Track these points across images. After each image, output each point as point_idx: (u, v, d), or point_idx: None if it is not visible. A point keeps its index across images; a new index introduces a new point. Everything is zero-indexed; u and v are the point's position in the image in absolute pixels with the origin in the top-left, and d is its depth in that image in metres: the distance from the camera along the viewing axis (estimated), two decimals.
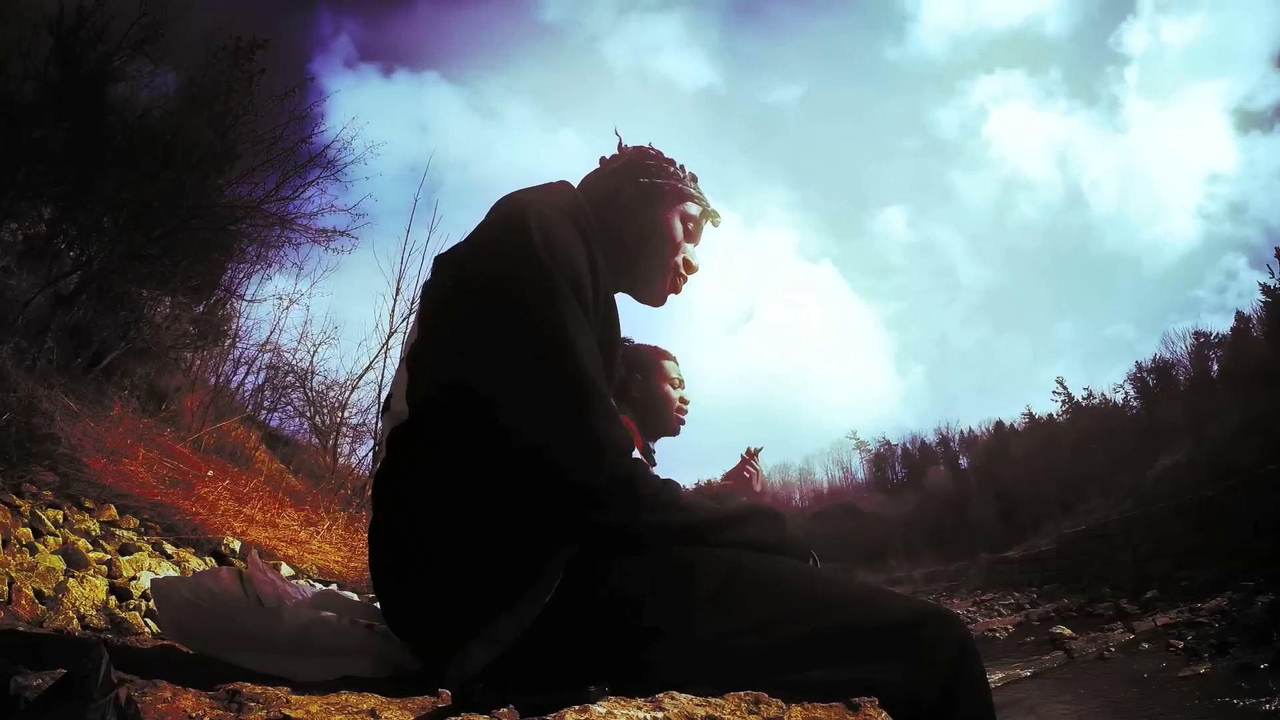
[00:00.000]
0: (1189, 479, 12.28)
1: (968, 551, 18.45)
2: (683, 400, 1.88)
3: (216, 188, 6.73)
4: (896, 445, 32.47)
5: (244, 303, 8.41)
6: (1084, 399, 23.78)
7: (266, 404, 8.93)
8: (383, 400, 0.97)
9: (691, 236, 1.09)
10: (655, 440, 1.88)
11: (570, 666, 0.73)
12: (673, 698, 0.67)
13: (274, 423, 9.00)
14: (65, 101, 5.64)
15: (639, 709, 0.65)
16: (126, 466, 4.43)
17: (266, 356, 8.81)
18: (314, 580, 4.08)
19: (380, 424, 0.96)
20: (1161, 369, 20.82)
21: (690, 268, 1.09)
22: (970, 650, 0.76)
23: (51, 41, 5.84)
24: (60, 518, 3.17)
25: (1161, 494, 12.27)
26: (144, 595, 2.75)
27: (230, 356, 8.69)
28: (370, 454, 8.17)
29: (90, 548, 3.00)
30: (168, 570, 3.18)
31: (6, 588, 2.28)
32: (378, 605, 0.89)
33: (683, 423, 1.89)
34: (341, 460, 8.72)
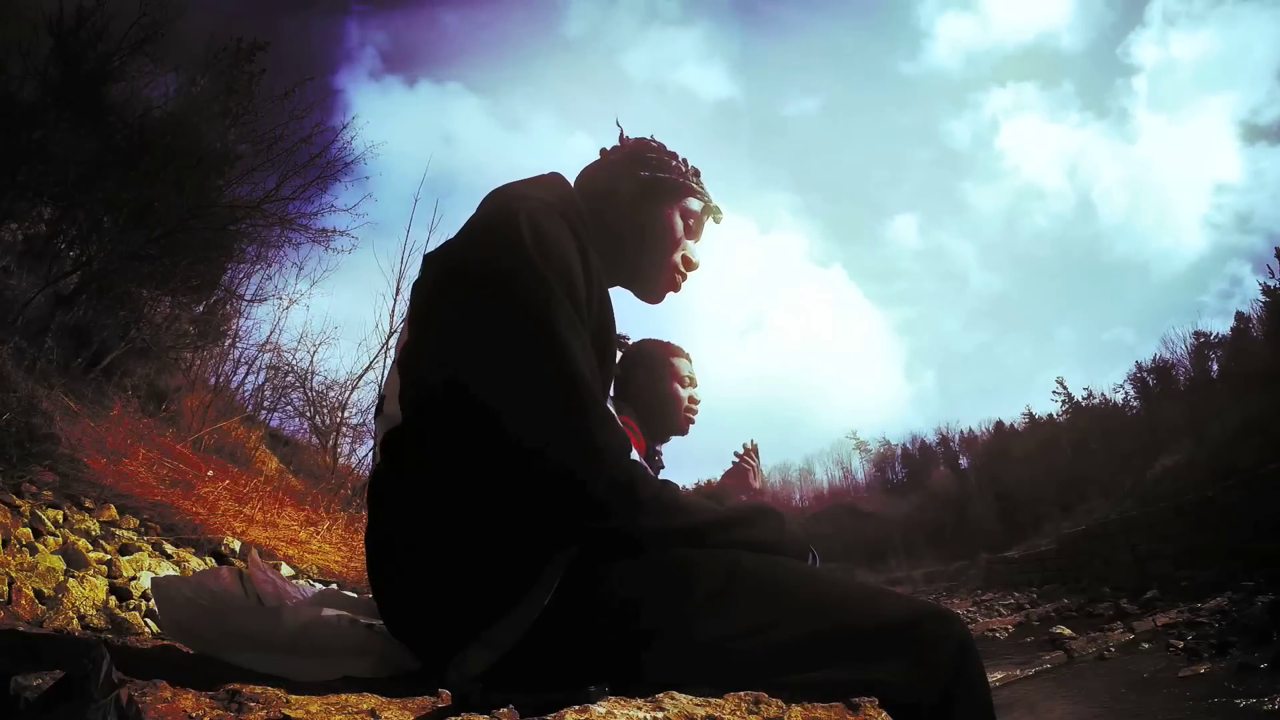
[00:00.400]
0: (1189, 479, 12.28)
1: (968, 551, 18.44)
2: (692, 400, 1.81)
3: (216, 188, 6.73)
4: (896, 445, 32.48)
5: (244, 303, 8.42)
6: (1084, 399, 23.78)
7: (266, 404, 8.94)
8: (376, 403, 0.96)
9: (692, 233, 1.06)
10: (663, 440, 1.82)
11: (570, 668, 0.73)
12: (673, 698, 0.67)
13: (274, 423, 9.01)
14: (65, 101, 5.64)
15: (639, 709, 0.65)
16: (126, 466, 4.43)
17: (266, 356, 8.83)
18: (314, 580, 4.08)
19: (374, 426, 0.95)
20: (1161, 369, 20.81)
21: (690, 264, 1.06)
22: (970, 650, 0.76)
23: (51, 41, 5.83)
24: (60, 518, 3.17)
25: (1161, 494, 12.26)
26: (144, 595, 2.75)
27: (230, 356, 8.70)
28: (370, 454, 8.17)
29: (90, 548, 3.00)
30: (168, 570, 3.18)
31: (6, 588, 2.28)
32: (378, 605, 0.89)
33: (692, 422, 1.83)
34: (341, 460, 8.74)
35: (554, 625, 0.76)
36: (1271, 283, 16.85)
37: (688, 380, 1.81)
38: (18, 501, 3.04)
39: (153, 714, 0.58)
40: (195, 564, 3.49)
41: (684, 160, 1.07)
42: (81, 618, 2.38)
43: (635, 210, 1.02)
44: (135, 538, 3.42)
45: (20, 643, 0.99)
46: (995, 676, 4.09)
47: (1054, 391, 24.64)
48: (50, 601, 2.36)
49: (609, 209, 1.01)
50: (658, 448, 1.81)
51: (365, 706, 0.66)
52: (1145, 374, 21.31)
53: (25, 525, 2.86)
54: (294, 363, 8.92)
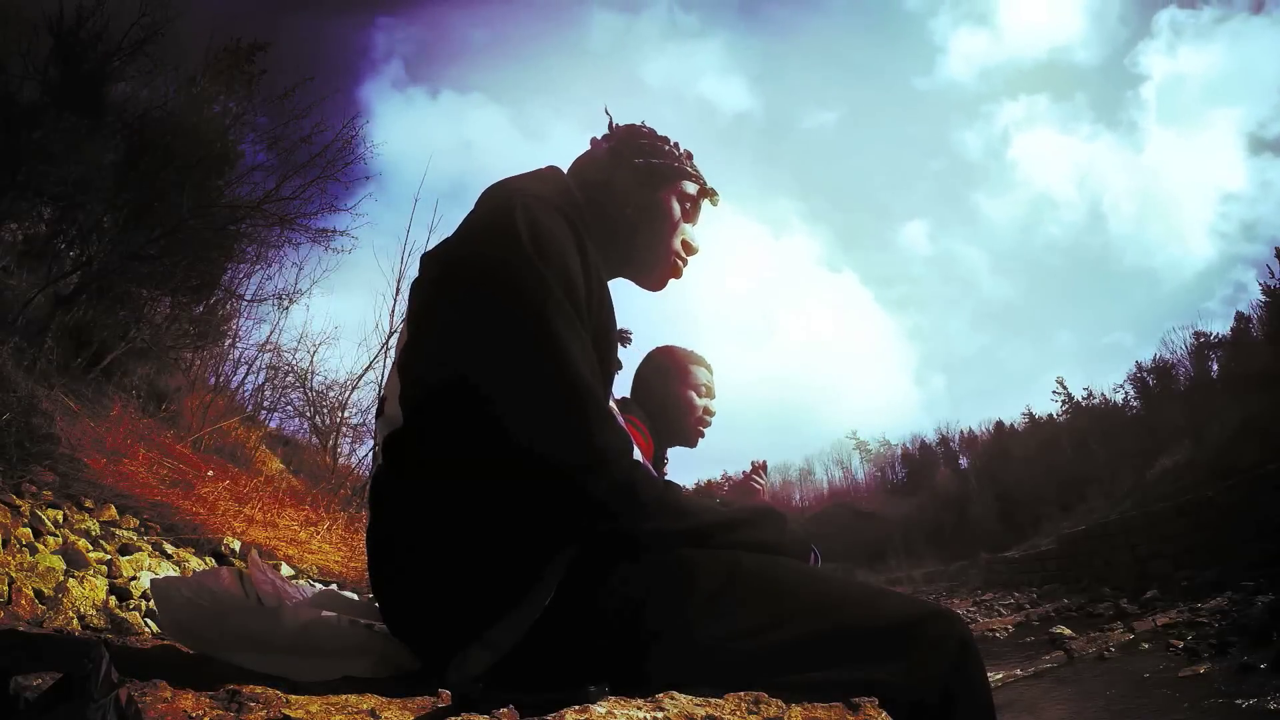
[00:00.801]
0: (1189, 479, 12.27)
1: (968, 551, 18.43)
2: (707, 410, 1.75)
3: (216, 188, 6.73)
4: (896, 445, 32.47)
5: (244, 303, 8.42)
6: (1084, 399, 23.77)
7: (266, 404, 8.93)
8: (377, 404, 0.95)
9: (690, 216, 1.04)
10: (670, 447, 1.77)
11: (570, 668, 0.73)
12: (673, 698, 0.67)
13: (274, 423, 9.01)
14: (65, 101, 5.64)
15: (639, 709, 0.65)
16: (126, 466, 4.42)
17: (266, 356, 8.83)
18: (314, 580, 4.08)
19: (375, 428, 0.94)
20: (1161, 369, 20.80)
21: (690, 249, 1.04)
22: (970, 650, 0.75)
23: (51, 41, 5.84)
24: (60, 518, 3.17)
25: (1161, 494, 12.25)
26: (144, 595, 2.75)
27: (230, 356, 8.70)
28: (370, 454, 8.17)
29: (90, 548, 3.00)
30: (168, 570, 3.18)
31: (6, 588, 2.28)
32: (378, 605, 0.89)
33: (703, 434, 1.76)
34: (341, 460, 8.74)
35: (554, 625, 0.75)
36: (1271, 282, 16.86)
37: (703, 389, 1.76)
38: (18, 501, 3.04)
39: (153, 714, 0.58)
40: (195, 564, 3.49)
41: (676, 144, 1.05)
42: (81, 618, 2.38)
43: (632, 197, 1.00)
44: (135, 538, 3.41)
45: (20, 643, 0.99)
46: (995, 676, 4.09)
47: (1054, 392, 24.65)
48: (50, 601, 2.36)
49: (606, 199, 0.99)
50: (664, 453, 1.76)
51: (365, 706, 0.66)
52: (1145, 374, 21.31)
53: (25, 525, 2.86)
54: (294, 363, 8.94)
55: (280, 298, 8.32)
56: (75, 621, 2.33)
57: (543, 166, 1.00)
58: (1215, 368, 18.80)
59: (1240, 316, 18.94)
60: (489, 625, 0.76)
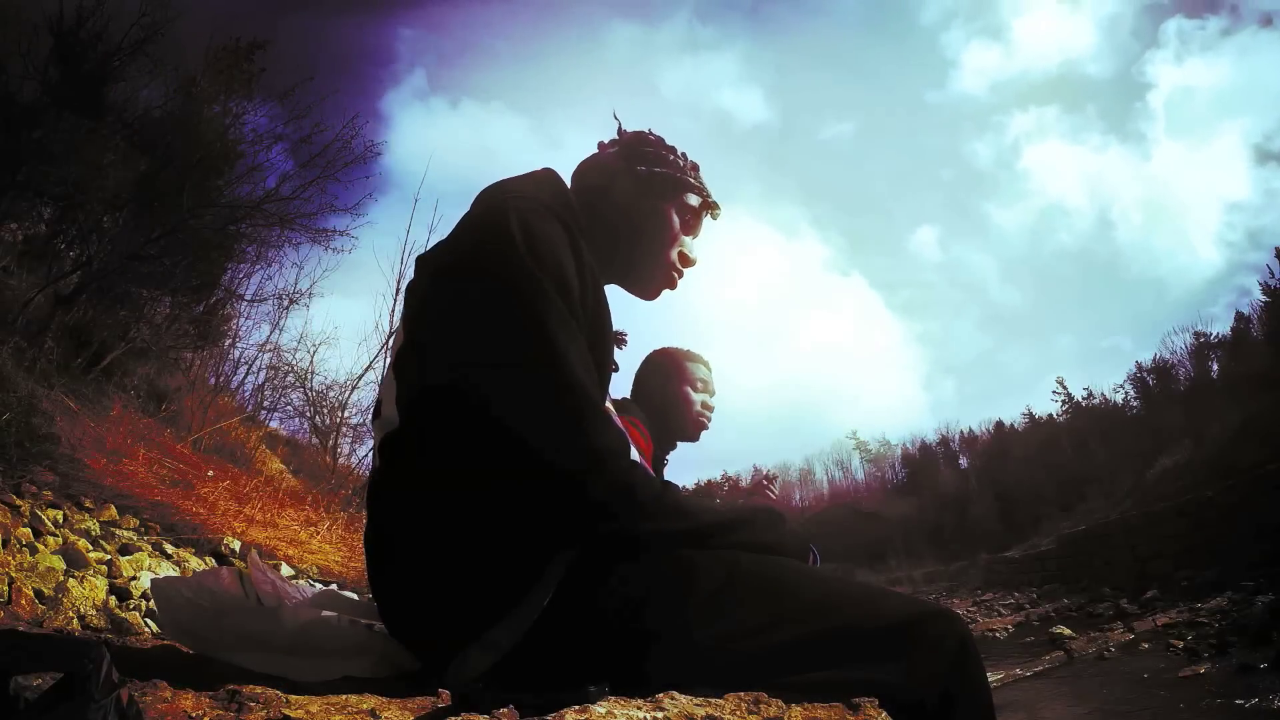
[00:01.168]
0: (1189, 479, 12.26)
1: (968, 551, 18.44)
2: (705, 406, 1.77)
3: (216, 188, 6.73)
4: (896, 446, 32.44)
5: (244, 303, 8.42)
6: (1084, 399, 23.74)
7: (266, 404, 8.94)
8: (374, 406, 0.95)
9: (690, 228, 1.03)
10: (672, 445, 1.78)
11: (570, 668, 0.73)
12: (673, 698, 0.67)
13: (274, 423, 9.02)
14: (65, 101, 5.64)
15: (639, 709, 0.65)
16: (126, 466, 4.43)
17: (266, 356, 8.84)
18: (314, 580, 4.08)
19: (372, 429, 0.94)
20: (1161, 369, 20.77)
21: (687, 261, 1.03)
22: (970, 650, 0.75)
23: (51, 41, 5.84)
24: (60, 518, 3.17)
25: (1161, 494, 12.25)
26: (144, 595, 2.75)
27: (230, 356, 8.71)
28: (370, 455, 8.16)
29: (90, 548, 3.00)
30: (168, 570, 3.18)
31: (6, 588, 2.28)
32: (377, 606, 0.89)
33: (704, 428, 1.78)
34: (341, 460, 8.74)
35: (554, 626, 0.75)
36: (1272, 282, 16.84)
37: (700, 385, 1.77)
38: (18, 501, 3.04)
39: (153, 714, 0.58)
40: (195, 564, 3.49)
41: (683, 155, 1.05)
42: (81, 618, 2.38)
43: (631, 206, 0.99)
44: (135, 538, 3.42)
45: (20, 643, 0.99)
46: (995, 676, 4.09)
47: (1054, 392, 24.61)
48: (50, 601, 2.36)
49: (604, 205, 0.99)
50: (665, 454, 1.77)
51: (365, 706, 0.66)
52: (1145, 374, 21.29)
53: (25, 525, 2.86)
54: (294, 363, 8.94)
55: (280, 298, 8.34)
56: (75, 621, 2.33)
57: (538, 169, 0.99)
58: (1215, 368, 18.80)
59: (1240, 317, 18.94)
60: (489, 625, 0.76)
